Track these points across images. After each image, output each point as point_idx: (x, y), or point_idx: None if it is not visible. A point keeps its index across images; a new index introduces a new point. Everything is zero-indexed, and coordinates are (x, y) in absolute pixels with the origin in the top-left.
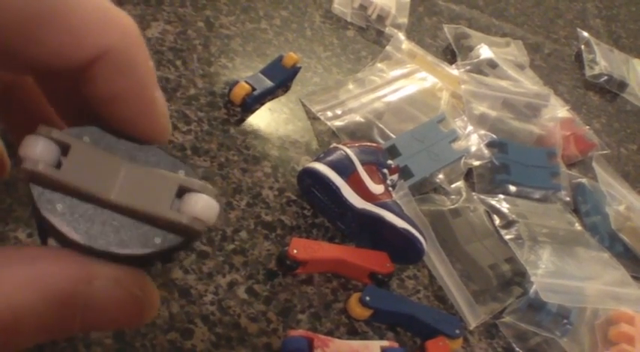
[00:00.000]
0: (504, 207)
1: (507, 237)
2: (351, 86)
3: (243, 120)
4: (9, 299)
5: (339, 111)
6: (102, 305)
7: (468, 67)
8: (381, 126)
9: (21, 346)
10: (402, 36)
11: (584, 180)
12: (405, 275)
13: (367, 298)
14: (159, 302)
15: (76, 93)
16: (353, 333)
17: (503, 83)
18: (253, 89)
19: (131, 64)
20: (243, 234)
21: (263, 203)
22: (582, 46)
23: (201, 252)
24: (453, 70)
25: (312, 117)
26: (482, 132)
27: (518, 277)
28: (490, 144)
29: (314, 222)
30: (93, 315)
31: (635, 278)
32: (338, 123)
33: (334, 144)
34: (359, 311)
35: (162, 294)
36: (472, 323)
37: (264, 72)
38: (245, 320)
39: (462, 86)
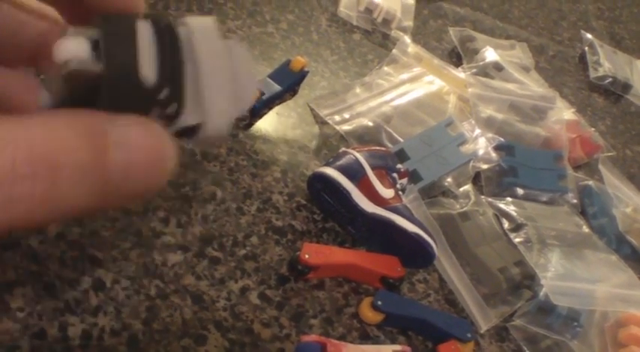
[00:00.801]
0: (513, 210)
1: (516, 240)
2: (358, 90)
3: (251, 124)
4: (44, 131)
5: (347, 115)
6: (129, 142)
7: (474, 70)
8: (389, 130)
9: (66, 197)
10: (407, 39)
11: (590, 183)
12: (415, 279)
13: (379, 302)
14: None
15: None
16: (365, 338)
17: (510, 86)
18: (262, 94)
19: None
20: (254, 240)
21: (273, 208)
22: (586, 48)
23: (212, 257)
24: (460, 73)
25: (321, 122)
26: (490, 135)
27: (528, 280)
28: (497, 147)
29: (324, 227)
30: (123, 156)
31: None
32: (346, 127)
33: (343, 149)
34: (371, 316)
35: (175, 301)
36: (483, 327)
37: (272, 76)
38: (258, 325)
39: (469, 89)
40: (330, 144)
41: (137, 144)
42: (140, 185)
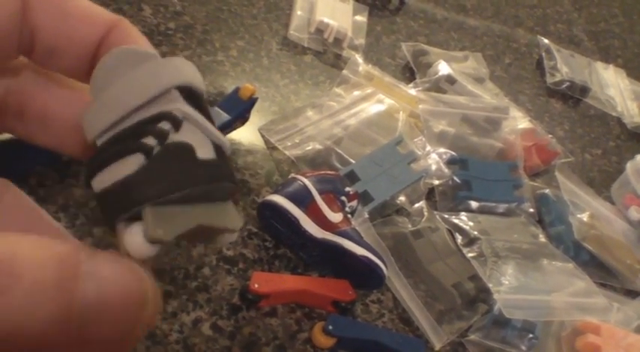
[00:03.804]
0: (466, 224)
1: (469, 254)
2: (310, 113)
3: None
4: (12, 243)
5: (297, 140)
6: (103, 275)
7: (427, 85)
8: (339, 151)
9: (21, 311)
10: (358, 58)
11: (547, 191)
12: (369, 300)
13: (330, 327)
14: (160, 300)
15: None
16: None
17: (462, 99)
18: None
19: (135, 32)
20: (206, 271)
21: None
22: (543, 54)
23: (164, 291)
24: (411, 90)
25: (272, 147)
26: (442, 150)
27: (483, 294)
28: (450, 162)
29: (276, 254)
30: (94, 286)
31: (601, 285)
32: (297, 152)
33: (292, 175)
34: (323, 341)
35: None
36: (437, 345)
37: (220, 105)
38: None
39: (420, 106)
40: (281, 170)
41: (111, 279)
42: (112, 325)
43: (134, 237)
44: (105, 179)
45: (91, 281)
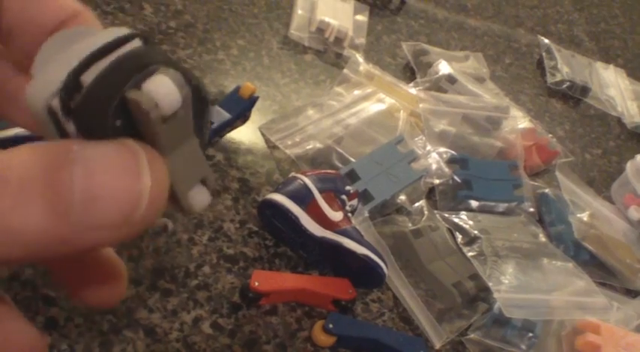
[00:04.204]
0: (467, 223)
1: (470, 254)
2: (310, 112)
3: None
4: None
5: (297, 139)
6: (94, 159)
7: (427, 84)
8: (340, 150)
9: (14, 213)
10: (359, 58)
11: (547, 190)
12: (369, 298)
13: (330, 325)
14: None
15: None
16: None
17: (462, 99)
18: (211, 123)
19: (96, 24)
20: (206, 269)
21: (225, 236)
22: (543, 53)
23: (164, 289)
24: (411, 89)
25: (272, 146)
26: (443, 149)
27: (484, 293)
28: (451, 161)
29: (276, 252)
30: (84, 173)
31: (601, 284)
32: (297, 150)
33: (293, 174)
34: (323, 339)
35: (128, 335)
36: (437, 344)
37: (221, 104)
38: None
39: (420, 105)
40: (282, 169)
41: (103, 162)
42: (109, 213)
43: (162, 84)
44: (99, 66)
45: (80, 167)
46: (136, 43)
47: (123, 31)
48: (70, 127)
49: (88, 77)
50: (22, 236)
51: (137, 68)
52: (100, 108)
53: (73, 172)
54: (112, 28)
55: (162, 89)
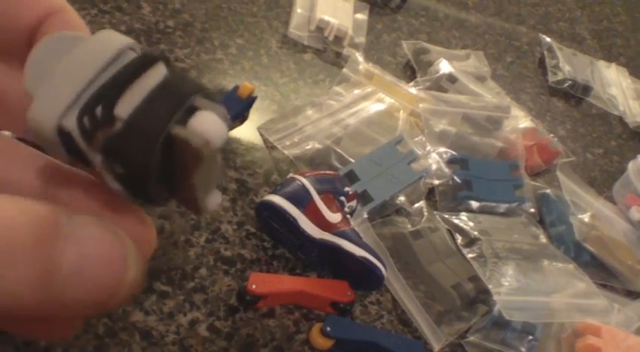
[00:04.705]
0: (467, 224)
1: (470, 255)
2: (309, 112)
3: None
4: None
5: (296, 139)
6: (84, 235)
7: (428, 84)
8: (339, 151)
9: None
10: (359, 57)
11: (548, 191)
12: (367, 300)
13: (328, 328)
14: (143, 265)
15: None
16: None
17: (462, 98)
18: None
19: (77, 21)
20: (203, 271)
21: (222, 238)
22: (545, 52)
23: (161, 292)
24: (411, 89)
25: (271, 147)
26: (443, 149)
27: (483, 295)
28: (451, 161)
29: (274, 254)
30: (75, 249)
31: (602, 285)
32: (295, 151)
33: (291, 175)
34: (321, 342)
35: (124, 338)
36: (436, 347)
37: None
38: None
39: (420, 105)
40: (280, 169)
41: (93, 239)
42: (93, 289)
43: (210, 121)
44: (134, 97)
45: (71, 244)
46: (161, 69)
47: (116, 38)
48: (95, 157)
49: (123, 109)
50: (8, 297)
51: (178, 101)
52: (145, 144)
53: (65, 249)
54: (102, 34)
55: (212, 126)
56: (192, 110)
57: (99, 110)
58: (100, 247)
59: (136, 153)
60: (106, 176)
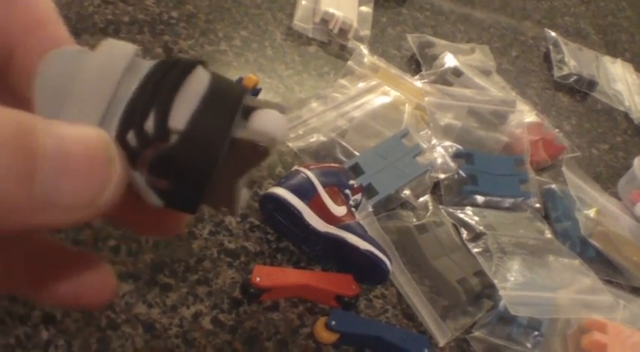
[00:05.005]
0: (472, 219)
1: (475, 250)
2: (314, 104)
3: None
4: None
5: (300, 132)
6: (62, 132)
7: (432, 77)
8: (344, 144)
9: None
10: (364, 49)
11: (553, 186)
12: (372, 294)
13: (333, 322)
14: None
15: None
16: None
17: (468, 92)
18: None
19: (64, 35)
20: (207, 264)
21: (226, 230)
22: (550, 47)
23: (164, 284)
24: (417, 82)
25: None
26: (448, 143)
27: (489, 290)
28: (456, 156)
29: (278, 247)
30: (53, 141)
31: (607, 281)
32: (300, 144)
33: (295, 167)
34: (325, 336)
35: (127, 331)
36: (441, 342)
37: None
38: (211, 351)
39: (426, 98)
40: (284, 162)
41: (71, 135)
42: (76, 191)
43: (272, 118)
44: (188, 105)
45: (49, 137)
46: (201, 73)
47: (123, 47)
48: (138, 177)
49: (178, 120)
50: None
51: (234, 104)
52: (208, 153)
53: (46, 142)
54: (107, 45)
55: (275, 123)
56: (247, 110)
57: (149, 125)
58: (80, 141)
59: (196, 165)
60: (147, 194)
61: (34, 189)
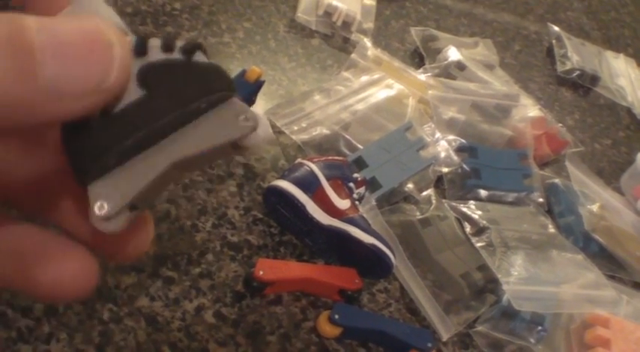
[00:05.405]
0: (475, 213)
1: (478, 244)
2: (317, 97)
3: None
4: None
5: (304, 124)
6: (55, 26)
7: (436, 71)
8: (347, 137)
9: None
10: (367, 42)
11: (557, 180)
12: (375, 289)
13: (336, 316)
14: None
15: None
16: None
17: (472, 86)
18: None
19: None
20: (210, 257)
21: (229, 223)
22: (553, 41)
23: (166, 277)
24: (420, 75)
25: (278, 132)
26: (452, 137)
27: (492, 284)
28: (459, 149)
29: (281, 240)
30: (48, 35)
31: (610, 276)
32: (303, 136)
33: (299, 160)
34: (328, 330)
35: (129, 324)
36: (444, 336)
37: None
38: (213, 345)
39: (429, 92)
40: (287, 155)
41: (64, 27)
42: (80, 77)
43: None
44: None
45: (42, 33)
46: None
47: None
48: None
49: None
50: None
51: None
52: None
53: (41, 33)
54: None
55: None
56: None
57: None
58: (77, 31)
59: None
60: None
61: (38, 82)
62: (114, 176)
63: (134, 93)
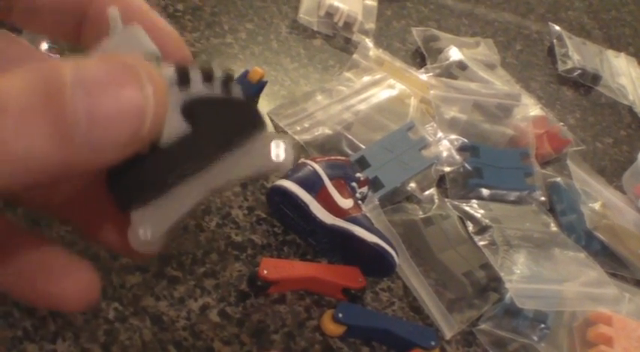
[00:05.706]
0: (478, 212)
1: (481, 243)
2: (319, 97)
3: None
4: None
5: (307, 124)
6: (89, 78)
7: (438, 71)
8: (350, 137)
9: (12, 132)
10: (369, 43)
11: (558, 179)
12: (379, 287)
13: (340, 315)
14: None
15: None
16: (328, 351)
17: (473, 85)
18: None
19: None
20: (214, 256)
21: (233, 223)
22: (554, 41)
23: (171, 277)
24: (422, 75)
25: (281, 132)
26: (454, 136)
27: (495, 283)
28: (461, 149)
29: (285, 240)
30: (83, 93)
31: (612, 275)
32: (306, 136)
33: (302, 160)
34: (332, 328)
35: (134, 323)
36: (447, 334)
37: None
38: (218, 343)
39: (431, 91)
40: None
41: (101, 79)
42: (116, 131)
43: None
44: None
45: (78, 89)
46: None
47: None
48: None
49: None
50: (26, 161)
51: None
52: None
53: (74, 93)
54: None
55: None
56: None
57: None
58: (107, 78)
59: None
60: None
61: (75, 143)
62: (156, 205)
63: (178, 124)
